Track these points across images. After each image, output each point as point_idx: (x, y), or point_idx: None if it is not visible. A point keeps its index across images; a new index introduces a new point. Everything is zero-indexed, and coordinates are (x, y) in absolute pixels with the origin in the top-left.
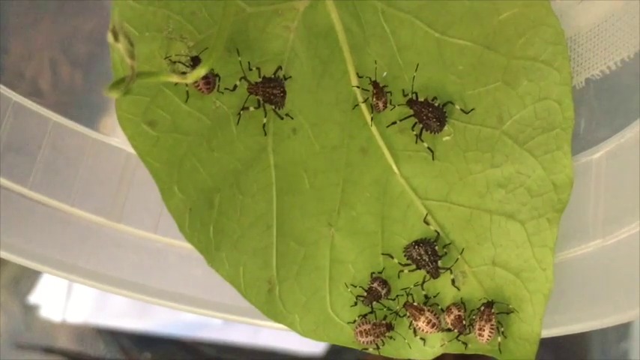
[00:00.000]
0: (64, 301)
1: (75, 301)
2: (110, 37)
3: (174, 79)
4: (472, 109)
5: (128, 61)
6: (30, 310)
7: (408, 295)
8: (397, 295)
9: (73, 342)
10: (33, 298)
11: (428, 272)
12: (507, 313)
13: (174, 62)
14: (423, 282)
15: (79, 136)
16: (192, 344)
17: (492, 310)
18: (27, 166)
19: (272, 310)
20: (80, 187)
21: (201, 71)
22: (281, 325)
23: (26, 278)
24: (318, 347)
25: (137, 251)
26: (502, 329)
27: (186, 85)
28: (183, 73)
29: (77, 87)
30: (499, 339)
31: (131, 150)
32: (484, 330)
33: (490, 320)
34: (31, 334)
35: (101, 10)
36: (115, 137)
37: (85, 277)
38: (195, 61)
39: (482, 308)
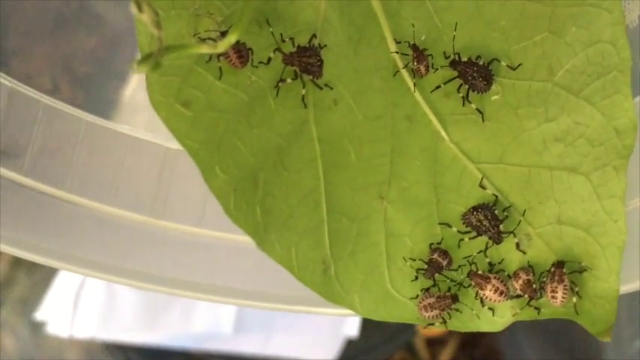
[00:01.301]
0: (70, 317)
1: (81, 317)
2: (134, 8)
3: (205, 49)
4: (519, 65)
5: (155, 32)
6: (37, 327)
7: (471, 264)
8: (459, 265)
9: (82, 358)
10: (39, 315)
11: (490, 238)
12: (580, 272)
13: (204, 39)
14: (486, 249)
15: (113, 135)
16: (201, 356)
17: (564, 270)
18: (63, 169)
19: (329, 292)
20: (119, 186)
21: (232, 38)
22: (340, 310)
23: (33, 297)
24: (329, 354)
25: (183, 247)
26: (576, 289)
27: (219, 60)
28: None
29: (78, 103)
30: (574, 300)
31: (168, 145)
32: (557, 292)
33: (562, 281)
34: (39, 352)
35: (101, 28)
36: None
37: (132, 279)
38: (224, 36)
39: (553, 269)
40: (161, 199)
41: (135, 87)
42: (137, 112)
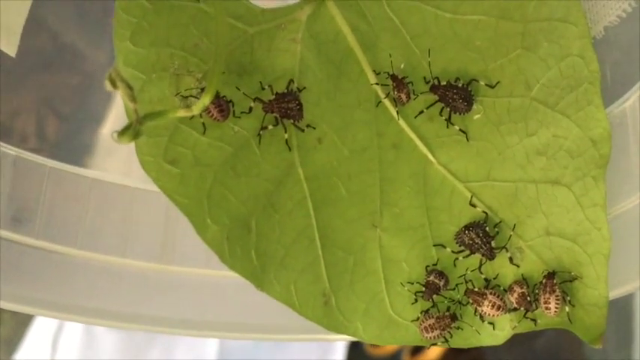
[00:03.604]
0: (49, 357)
1: (60, 359)
2: (108, 85)
3: (181, 113)
4: (497, 82)
5: (130, 105)
6: None
7: (467, 281)
8: (457, 284)
9: None
10: (19, 357)
11: (483, 255)
12: (570, 281)
13: (186, 97)
14: (480, 266)
15: (118, 188)
16: None
17: (555, 281)
18: (73, 227)
19: (332, 323)
20: (128, 237)
21: (205, 100)
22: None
23: (17, 338)
24: None
25: (195, 289)
26: (568, 298)
27: (201, 116)
28: (188, 106)
29: (65, 142)
30: (567, 309)
31: None
32: (550, 302)
33: (554, 291)
34: None
35: (84, 64)
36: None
37: (149, 324)
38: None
39: (544, 281)
40: (169, 245)
41: (110, 128)
42: (113, 153)
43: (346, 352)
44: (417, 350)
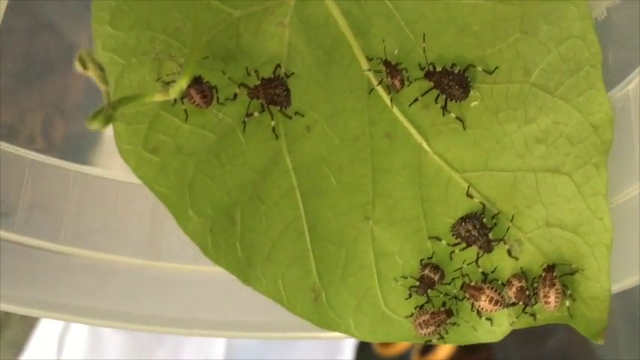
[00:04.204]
0: (55, 357)
1: (66, 358)
2: (78, 66)
3: (158, 97)
4: (496, 68)
5: (102, 87)
6: None
7: (463, 275)
8: (452, 278)
9: None
10: (25, 356)
11: (480, 247)
12: (571, 274)
13: (168, 83)
14: (477, 259)
15: (102, 182)
16: None
17: (554, 274)
18: (56, 222)
19: (322, 319)
20: (114, 233)
21: (182, 83)
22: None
23: (24, 340)
24: None
25: (182, 286)
26: (569, 292)
27: (183, 102)
28: (166, 91)
29: (70, 141)
30: (567, 303)
31: None
32: (549, 296)
33: (554, 285)
34: None
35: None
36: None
37: (136, 323)
38: None
39: (544, 274)
40: (156, 240)
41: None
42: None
43: (355, 351)
44: (427, 350)
